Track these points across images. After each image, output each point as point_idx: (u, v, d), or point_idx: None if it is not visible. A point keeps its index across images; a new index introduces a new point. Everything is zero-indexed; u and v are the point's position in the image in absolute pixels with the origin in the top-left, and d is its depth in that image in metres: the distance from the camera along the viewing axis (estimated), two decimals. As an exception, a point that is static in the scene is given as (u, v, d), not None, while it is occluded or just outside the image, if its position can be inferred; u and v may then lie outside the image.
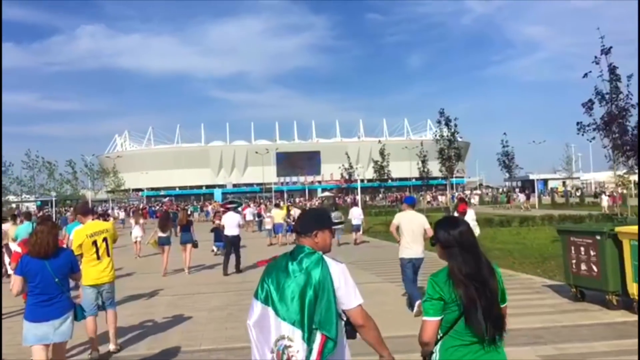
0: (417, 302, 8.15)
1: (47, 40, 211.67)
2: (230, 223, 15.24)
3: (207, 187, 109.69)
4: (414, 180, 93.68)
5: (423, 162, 36.58)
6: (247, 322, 2.88)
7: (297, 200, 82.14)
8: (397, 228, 9.02)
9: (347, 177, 44.44)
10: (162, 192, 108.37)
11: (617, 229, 8.02)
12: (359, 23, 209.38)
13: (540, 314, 8.21)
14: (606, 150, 16.91)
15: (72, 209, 44.82)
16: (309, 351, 2.68)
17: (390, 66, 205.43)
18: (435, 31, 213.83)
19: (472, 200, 40.59)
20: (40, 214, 39.19)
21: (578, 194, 55.00)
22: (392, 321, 7.56)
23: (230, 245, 14.89)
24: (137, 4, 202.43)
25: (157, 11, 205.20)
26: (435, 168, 37.72)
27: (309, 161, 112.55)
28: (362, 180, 32.26)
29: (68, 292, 5.39)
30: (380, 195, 63.36)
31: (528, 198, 49.40)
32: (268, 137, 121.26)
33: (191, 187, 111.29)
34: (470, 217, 12.56)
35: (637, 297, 7.61)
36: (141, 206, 66.38)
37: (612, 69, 15.08)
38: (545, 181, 78.44)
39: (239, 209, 32.02)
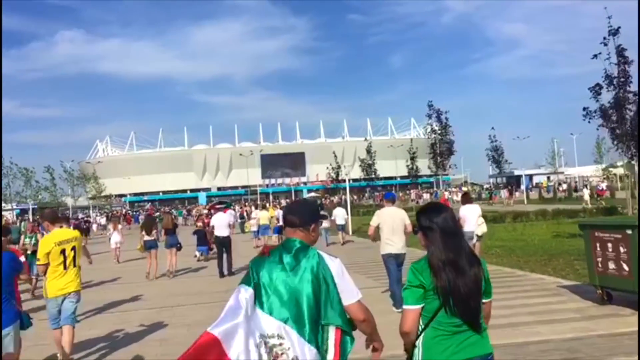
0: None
1: (25, 46, 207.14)
2: (220, 224, 14.82)
3: (192, 191, 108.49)
4: (399, 179, 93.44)
5: (412, 159, 35.71)
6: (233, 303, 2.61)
7: (282, 201, 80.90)
8: (378, 227, 8.72)
9: (334, 176, 43.61)
10: (146, 198, 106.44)
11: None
12: (341, 24, 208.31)
13: (566, 320, 7.22)
14: (608, 138, 16.11)
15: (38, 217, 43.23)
16: (324, 350, 2.58)
17: (372, 66, 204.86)
18: (416, 31, 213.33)
19: (455, 198, 39.82)
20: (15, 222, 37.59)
21: (562, 188, 54.48)
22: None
23: (221, 247, 14.53)
24: (116, 8, 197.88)
25: (137, 16, 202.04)
26: (423, 165, 36.95)
27: (294, 162, 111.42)
28: (348, 180, 31.34)
29: (14, 300, 5.03)
30: (367, 195, 62.56)
31: (510, 194, 49.19)
32: (252, 140, 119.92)
33: (175, 192, 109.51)
34: (476, 213, 11.65)
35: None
36: (124, 212, 64.77)
37: (620, 52, 14.12)
38: (530, 177, 78.18)
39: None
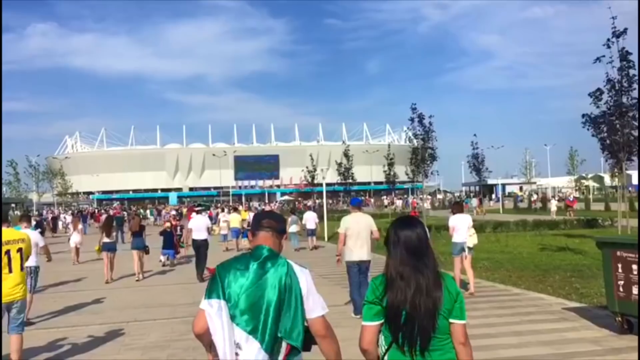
0: None
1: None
2: (198, 226, 14.48)
3: (163, 190, 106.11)
4: (373, 184, 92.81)
5: (390, 165, 34.79)
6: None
7: (254, 204, 79.53)
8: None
9: (310, 180, 42.49)
10: (115, 196, 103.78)
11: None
12: (318, 28, 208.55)
13: (586, 354, 6.20)
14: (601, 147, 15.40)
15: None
16: None
17: (349, 71, 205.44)
18: (392, 38, 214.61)
19: (426, 205, 39.18)
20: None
21: (533, 198, 54.43)
22: None
23: (198, 250, 14.19)
24: (90, 3, 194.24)
25: (112, 11, 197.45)
26: (400, 171, 36.04)
27: (268, 165, 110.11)
28: (325, 185, 30.34)
29: None
30: (341, 199, 61.67)
31: (481, 203, 48.83)
32: (226, 141, 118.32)
33: (146, 190, 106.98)
34: (466, 224, 10.66)
35: None
36: (93, 210, 62.45)
37: (623, 55, 13.24)
38: (503, 186, 78.34)
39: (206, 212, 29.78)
